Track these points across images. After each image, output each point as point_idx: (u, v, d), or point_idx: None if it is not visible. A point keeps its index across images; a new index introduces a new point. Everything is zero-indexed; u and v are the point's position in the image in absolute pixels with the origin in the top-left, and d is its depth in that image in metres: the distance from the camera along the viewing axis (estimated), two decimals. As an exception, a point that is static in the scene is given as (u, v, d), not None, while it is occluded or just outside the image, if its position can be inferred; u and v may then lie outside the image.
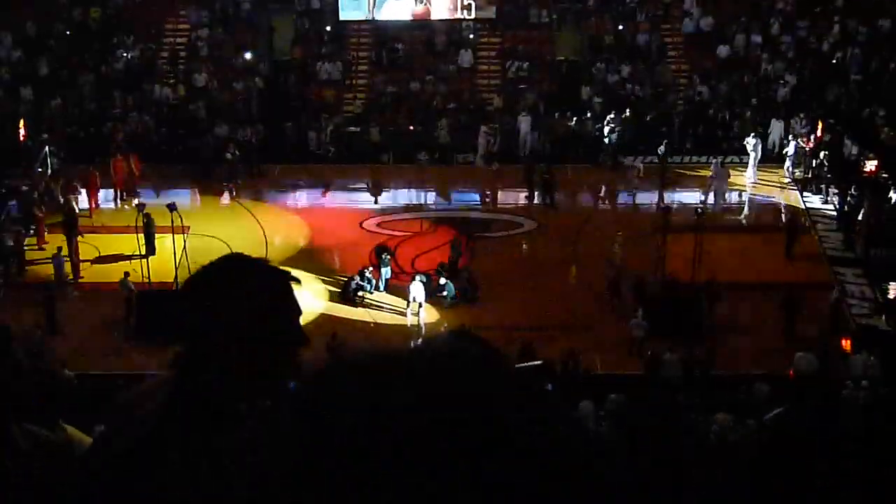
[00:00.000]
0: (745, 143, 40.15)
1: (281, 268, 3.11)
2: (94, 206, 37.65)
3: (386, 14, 46.35)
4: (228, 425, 2.73)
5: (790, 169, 39.96)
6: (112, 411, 3.15)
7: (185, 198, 38.11)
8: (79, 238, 33.98)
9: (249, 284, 2.94)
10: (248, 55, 41.30)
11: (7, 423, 3.56)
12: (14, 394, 3.70)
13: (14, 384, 3.72)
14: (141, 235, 33.12)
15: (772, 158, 40.55)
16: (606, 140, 41.02)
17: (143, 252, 32.66)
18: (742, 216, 37.78)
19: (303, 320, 3.05)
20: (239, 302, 2.90)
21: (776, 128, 40.95)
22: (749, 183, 39.35)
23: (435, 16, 46.26)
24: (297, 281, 3.04)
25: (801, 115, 41.23)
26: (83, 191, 36.92)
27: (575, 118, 42.04)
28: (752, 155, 39.76)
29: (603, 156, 41.00)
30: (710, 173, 38.30)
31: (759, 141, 39.92)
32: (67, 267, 32.99)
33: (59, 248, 33.08)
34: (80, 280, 33.15)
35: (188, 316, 2.97)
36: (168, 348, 3.01)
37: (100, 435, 3.24)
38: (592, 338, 30.34)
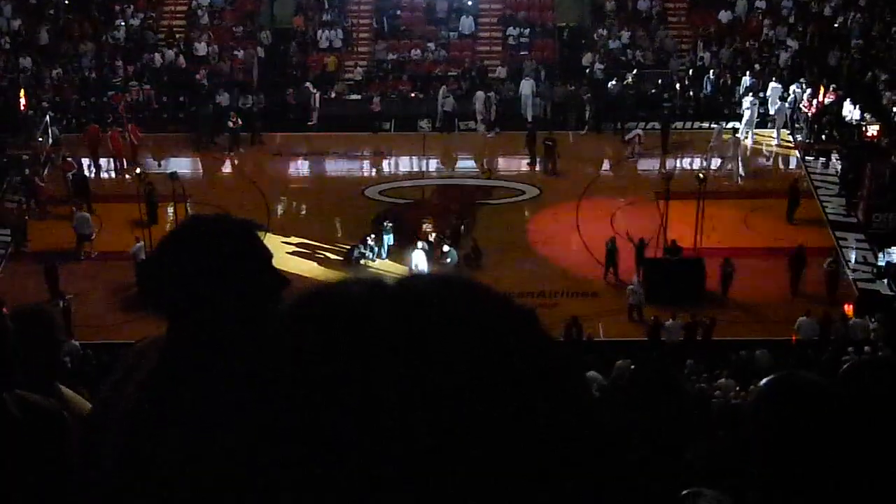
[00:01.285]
0: (743, 101, 40.19)
1: (242, 218, 3.14)
2: (96, 165, 37.79)
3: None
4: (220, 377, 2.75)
5: (779, 131, 39.95)
6: (110, 374, 3.19)
7: (186, 166, 38.16)
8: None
9: (209, 239, 2.97)
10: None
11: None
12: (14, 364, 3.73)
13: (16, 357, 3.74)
14: (143, 204, 33.07)
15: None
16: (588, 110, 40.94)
17: (147, 220, 32.58)
18: (739, 177, 37.48)
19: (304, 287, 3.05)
20: (201, 258, 2.92)
21: (775, 91, 40.77)
22: (743, 142, 39.10)
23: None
24: (262, 228, 3.06)
25: (802, 81, 41.09)
26: (81, 160, 36.86)
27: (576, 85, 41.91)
28: (746, 115, 39.74)
29: (589, 121, 40.88)
30: (713, 141, 38.17)
31: (756, 101, 39.86)
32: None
33: (75, 208, 33.25)
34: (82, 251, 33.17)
35: (158, 281, 3.00)
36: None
37: (99, 398, 3.27)
38: (596, 304, 30.43)
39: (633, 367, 23.85)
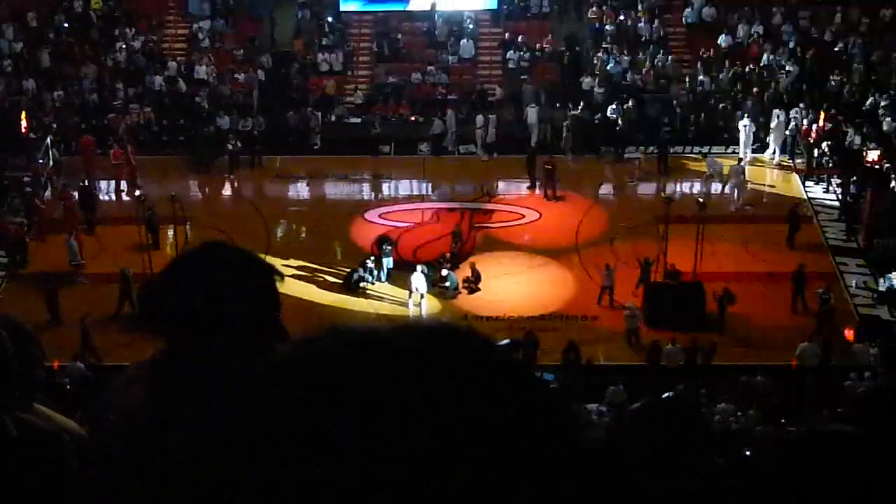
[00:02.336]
0: (741, 125, 40.30)
1: (264, 260, 3.09)
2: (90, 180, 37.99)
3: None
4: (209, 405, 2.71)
5: (776, 152, 40.04)
6: (100, 399, 3.16)
7: (186, 189, 38.18)
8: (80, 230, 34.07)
9: (228, 274, 2.92)
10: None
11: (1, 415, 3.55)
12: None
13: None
14: (143, 227, 33.03)
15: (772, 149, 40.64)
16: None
17: (150, 244, 32.44)
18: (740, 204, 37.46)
19: (305, 310, 3.04)
20: (216, 291, 2.87)
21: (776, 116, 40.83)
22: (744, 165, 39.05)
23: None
24: (280, 275, 3.02)
25: (801, 106, 41.17)
26: (74, 194, 36.92)
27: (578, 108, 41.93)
28: (743, 137, 39.86)
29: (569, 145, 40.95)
30: (709, 170, 38.15)
31: (751, 123, 39.98)
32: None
33: (72, 231, 33.29)
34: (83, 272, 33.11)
35: (164, 302, 2.95)
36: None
37: (93, 422, 3.24)
38: (596, 328, 30.40)
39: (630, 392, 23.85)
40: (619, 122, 41.39)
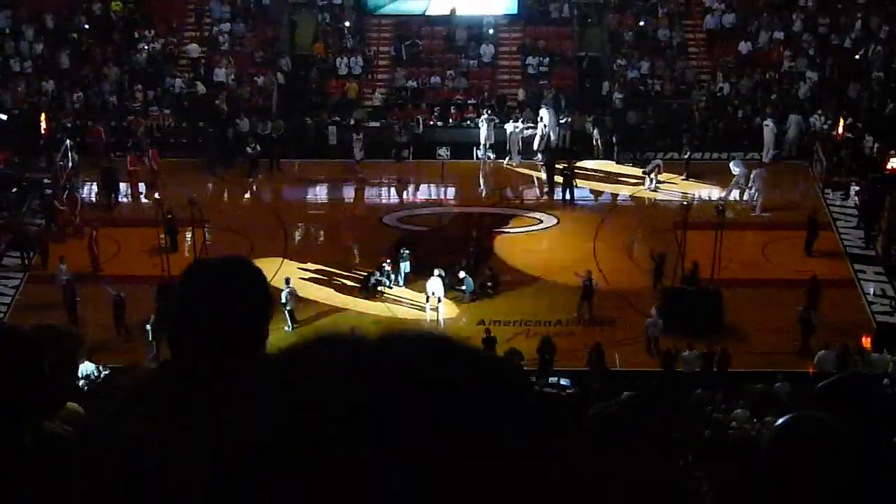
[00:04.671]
0: (764, 125, 40.35)
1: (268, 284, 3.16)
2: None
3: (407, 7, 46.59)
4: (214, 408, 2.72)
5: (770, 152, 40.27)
6: (105, 402, 3.17)
7: (205, 192, 38.24)
8: (98, 231, 34.17)
9: (244, 289, 2.96)
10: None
11: (18, 428, 3.56)
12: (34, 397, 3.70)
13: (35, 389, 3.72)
14: (162, 230, 33.11)
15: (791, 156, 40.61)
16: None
17: (168, 247, 32.60)
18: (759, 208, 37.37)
19: (323, 313, 3.08)
20: (229, 304, 2.90)
21: (794, 123, 40.78)
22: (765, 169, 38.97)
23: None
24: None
25: (820, 112, 41.08)
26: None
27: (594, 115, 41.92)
28: (768, 138, 39.94)
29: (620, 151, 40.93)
30: (744, 174, 37.91)
31: (775, 126, 39.97)
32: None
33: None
34: (99, 273, 33.21)
35: (178, 306, 2.98)
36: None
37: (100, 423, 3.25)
38: (613, 333, 30.34)
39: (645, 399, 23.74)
40: (640, 128, 41.37)
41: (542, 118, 41.45)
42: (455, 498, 1.07)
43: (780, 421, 2.97)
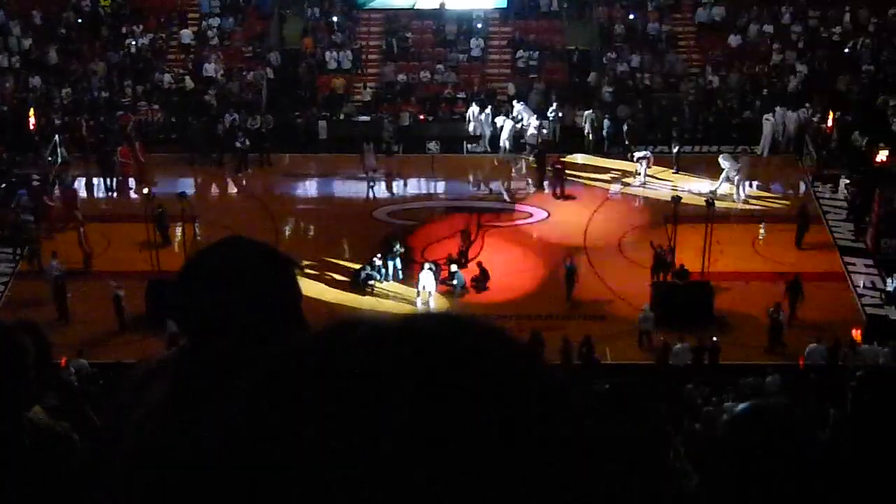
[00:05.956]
0: (764, 118, 40.56)
1: (280, 251, 3.09)
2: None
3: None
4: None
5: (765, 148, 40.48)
6: (118, 391, 3.15)
7: (194, 186, 38.23)
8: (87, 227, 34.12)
9: (247, 268, 2.92)
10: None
11: (18, 422, 3.55)
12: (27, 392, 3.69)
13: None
14: (152, 225, 33.08)
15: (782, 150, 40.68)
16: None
17: (159, 241, 32.64)
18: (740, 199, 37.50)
19: (313, 308, 3.05)
20: (236, 285, 2.87)
21: (789, 118, 40.82)
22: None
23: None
24: (298, 265, 3.02)
25: (808, 105, 41.13)
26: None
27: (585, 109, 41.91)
28: (766, 133, 40.09)
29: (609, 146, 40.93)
30: (735, 167, 37.90)
31: (774, 120, 40.08)
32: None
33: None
34: (90, 269, 33.16)
35: (185, 300, 2.95)
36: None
37: (108, 415, 3.24)
38: (604, 327, 30.36)
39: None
40: (630, 121, 41.38)
41: (518, 114, 41.32)
42: (471, 467, 1.06)
43: (739, 408, 3.07)
